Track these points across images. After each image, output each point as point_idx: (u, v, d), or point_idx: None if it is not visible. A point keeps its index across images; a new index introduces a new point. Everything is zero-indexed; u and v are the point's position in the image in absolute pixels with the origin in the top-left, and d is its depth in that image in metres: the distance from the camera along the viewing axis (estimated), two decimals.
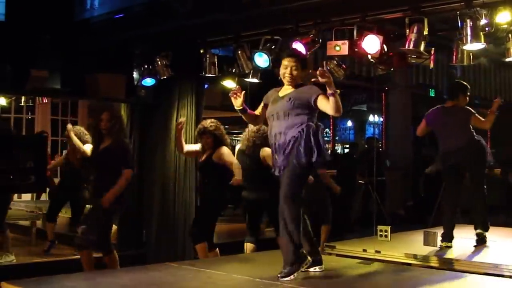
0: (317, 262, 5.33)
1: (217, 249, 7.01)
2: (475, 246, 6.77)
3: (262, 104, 5.55)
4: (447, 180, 7.18)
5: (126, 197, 6.67)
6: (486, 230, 6.98)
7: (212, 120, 7.01)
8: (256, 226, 7.22)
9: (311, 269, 5.26)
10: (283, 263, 5.02)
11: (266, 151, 6.76)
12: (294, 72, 5.21)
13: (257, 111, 5.56)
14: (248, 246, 7.05)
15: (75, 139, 7.74)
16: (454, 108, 7.11)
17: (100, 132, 6.57)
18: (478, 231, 6.94)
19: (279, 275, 4.96)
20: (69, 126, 7.96)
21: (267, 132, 7.14)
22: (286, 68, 5.23)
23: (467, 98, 7.22)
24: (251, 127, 7.00)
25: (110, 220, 6.62)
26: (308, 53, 7.60)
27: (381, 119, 13.83)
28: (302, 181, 5.14)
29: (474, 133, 7.04)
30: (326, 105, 5.00)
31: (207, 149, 6.87)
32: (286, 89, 5.28)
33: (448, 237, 6.77)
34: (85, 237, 6.44)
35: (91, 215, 6.61)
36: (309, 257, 5.10)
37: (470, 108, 7.12)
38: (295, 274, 4.98)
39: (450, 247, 6.69)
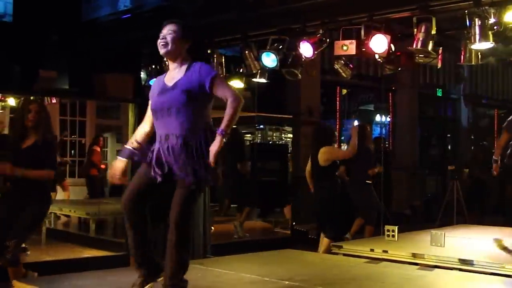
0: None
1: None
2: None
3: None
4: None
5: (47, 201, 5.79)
6: None
7: None
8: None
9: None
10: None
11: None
12: (170, 36, 4.19)
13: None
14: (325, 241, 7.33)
15: None
16: None
17: (24, 127, 5.57)
18: None
19: None
20: None
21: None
22: (161, 34, 4.25)
23: None
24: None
25: (34, 230, 5.80)
26: (316, 52, 7.63)
27: (388, 119, 13.79)
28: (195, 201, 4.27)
29: None
30: (228, 93, 4.02)
31: None
32: (170, 71, 4.34)
33: None
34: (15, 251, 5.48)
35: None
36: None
37: None
38: None
39: None
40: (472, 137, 15.32)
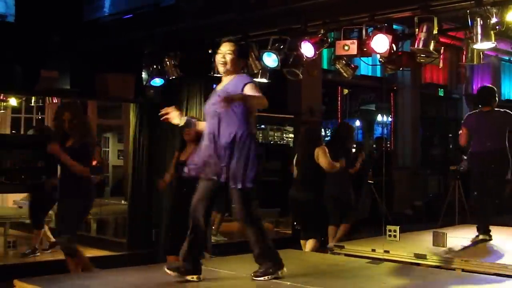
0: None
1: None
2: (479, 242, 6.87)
3: None
4: (474, 178, 7.30)
5: (91, 196, 6.37)
6: (489, 235, 7.06)
7: None
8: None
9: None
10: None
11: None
12: (228, 57, 4.75)
13: None
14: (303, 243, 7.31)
15: None
16: (494, 112, 7.22)
17: (64, 132, 6.21)
18: (481, 237, 7.01)
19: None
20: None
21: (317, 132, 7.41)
22: (219, 54, 4.83)
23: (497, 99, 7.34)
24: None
25: (80, 223, 6.42)
26: (317, 52, 7.61)
27: (390, 119, 13.77)
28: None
29: (506, 141, 7.13)
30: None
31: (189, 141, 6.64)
32: (222, 82, 4.89)
33: (483, 230, 6.94)
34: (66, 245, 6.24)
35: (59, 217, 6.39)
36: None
37: (510, 112, 7.19)
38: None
39: (487, 239, 6.88)
40: None
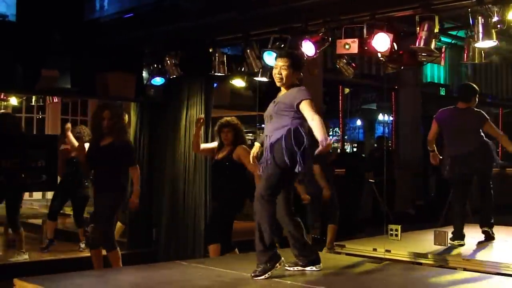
0: (313, 262, 5.31)
1: (236, 249, 6.84)
2: (481, 242, 6.84)
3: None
4: (455, 183, 7.16)
5: (128, 193, 6.74)
6: (491, 228, 7.05)
7: (233, 117, 6.99)
8: None
9: (307, 269, 5.27)
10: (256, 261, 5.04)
11: None
12: (284, 72, 5.08)
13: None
14: None
15: (71, 138, 7.51)
16: (467, 110, 7.13)
17: (101, 130, 6.57)
18: (485, 229, 7.01)
19: (252, 274, 4.97)
20: (68, 125, 7.83)
21: None
22: (276, 68, 5.14)
23: (477, 99, 7.27)
24: None
25: (113, 216, 6.66)
26: (318, 51, 7.59)
27: (391, 118, 13.75)
28: (279, 182, 4.99)
29: (483, 136, 7.04)
30: (308, 115, 4.90)
31: (227, 144, 6.76)
32: (281, 92, 5.22)
33: (459, 236, 6.79)
34: (95, 235, 6.46)
35: (96, 212, 6.65)
36: (282, 257, 5.10)
37: (484, 114, 7.14)
38: (269, 273, 4.96)
39: (463, 245, 6.73)
40: None
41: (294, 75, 5.14)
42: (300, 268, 5.27)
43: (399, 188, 12.18)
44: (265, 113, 5.17)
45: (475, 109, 7.18)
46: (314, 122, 4.79)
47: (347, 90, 12.71)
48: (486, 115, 7.17)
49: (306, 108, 4.89)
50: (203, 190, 8.19)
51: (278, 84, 5.14)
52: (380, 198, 10.78)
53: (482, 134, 7.07)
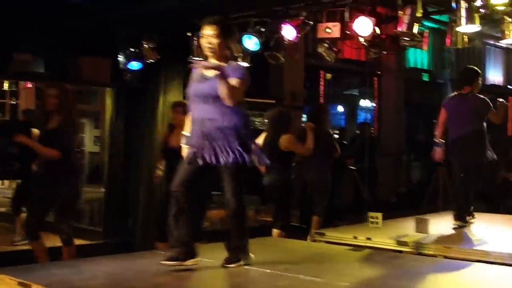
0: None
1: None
2: (462, 230, 6.83)
3: None
4: (454, 166, 7.23)
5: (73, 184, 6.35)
6: (464, 222, 7.02)
7: None
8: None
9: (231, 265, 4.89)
10: None
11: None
12: (214, 41, 4.61)
13: None
14: (275, 233, 7.15)
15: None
16: (472, 95, 7.14)
17: (47, 112, 6.18)
18: (457, 223, 6.98)
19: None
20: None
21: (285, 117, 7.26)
22: (204, 37, 4.66)
23: (480, 83, 7.25)
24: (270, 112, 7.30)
25: (43, 204, 6.28)
26: (298, 35, 7.47)
27: (374, 104, 13.64)
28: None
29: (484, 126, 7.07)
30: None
31: (179, 127, 6.50)
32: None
33: (460, 217, 6.93)
34: (34, 226, 6.25)
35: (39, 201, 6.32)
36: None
37: (488, 101, 7.13)
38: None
39: (465, 225, 6.89)
40: None
41: (225, 44, 4.74)
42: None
43: (381, 175, 12.10)
44: (193, 90, 4.66)
45: (479, 95, 7.18)
46: (238, 82, 4.46)
47: (329, 76, 12.56)
48: (490, 103, 7.17)
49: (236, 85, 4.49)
50: None
51: (209, 55, 4.67)
52: (362, 186, 10.70)
53: (484, 123, 7.08)
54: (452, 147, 7.14)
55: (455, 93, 7.36)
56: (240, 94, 4.56)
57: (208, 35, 4.61)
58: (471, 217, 7.15)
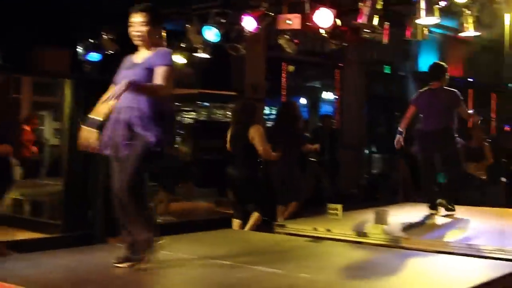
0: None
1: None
2: (422, 220, 6.95)
3: None
4: (423, 157, 7.35)
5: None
6: (449, 203, 7.24)
7: None
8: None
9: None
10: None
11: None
12: (143, 29, 4.43)
13: None
14: (235, 223, 7.13)
15: None
16: (441, 89, 7.25)
17: None
18: (441, 201, 7.19)
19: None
20: None
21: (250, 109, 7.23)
22: (133, 25, 4.47)
23: (448, 77, 7.37)
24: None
25: None
26: (259, 27, 7.45)
27: (335, 97, 13.67)
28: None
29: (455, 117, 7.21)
30: (157, 81, 4.29)
31: None
32: (139, 53, 4.57)
33: (431, 206, 7.16)
34: None
35: None
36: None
37: (458, 94, 7.25)
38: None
39: (435, 213, 7.11)
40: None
41: (155, 32, 4.50)
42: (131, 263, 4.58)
43: (343, 167, 12.15)
44: (120, 77, 4.46)
45: (449, 88, 7.27)
46: (157, 87, 4.24)
47: (291, 68, 12.54)
48: (460, 96, 7.28)
49: (160, 75, 4.27)
50: None
51: (138, 44, 4.49)
52: (324, 178, 10.73)
53: (455, 117, 7.21)
54: (424, 141, 7.25)
55: (425, 88, 7.43)
56: (170, 83, 4.31)
57: (137, 23, 4.44)
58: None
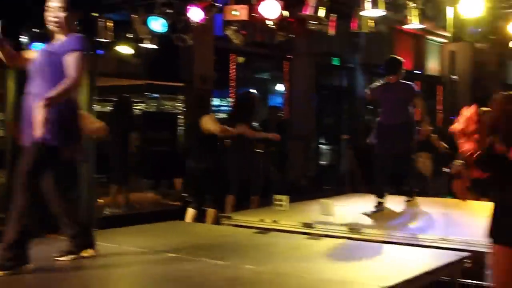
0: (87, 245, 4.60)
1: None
2: (371, 212, 6.97)
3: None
4: (380, 149, 7.38)
5: None
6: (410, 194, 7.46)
7: None
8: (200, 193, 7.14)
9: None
10: None
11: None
12: (61, 15, 4.27)
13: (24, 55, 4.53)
14: (190, 212, 7.10)
15: None
16: (398, 83, 7.31)
17: None
18: (378, 206, 7.20)
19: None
20: None
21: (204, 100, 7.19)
22: (49, 10, 4.32)
23: (404, 71, 7.43)
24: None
25: None
26: (206, 18, 7.41)
27: (284, 88, 13.67)
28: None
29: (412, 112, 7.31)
30: (69, 69, 4.11)
31: None
32: (54, 39, 4.40)
33: (379, 197, 7.20)
34: None
35: None
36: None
37: (414, 87, 7.37)
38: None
39: (382, 205, 7.13)
40: (368, 106, 15.46)
41: (72, 18, 4.34)
42: (73, 256, 4.51)
43: (291, 159, 12.18)
44: (33, 64, 4.31)
45: (405, 82, 7.35)
46: (68, 81, 4.04)
47: (241, 59, 12.49)
48: (416, 89, 7.39)
49: (72, 62, 4.10)
50: None
51: (54, 29, 4.31)
52: (272, 169, 10.73)
53: (409, 112, 7.29)
54: (382, 134, 7.34)
55: (382, 81, 7.49)
56: (80, 70, 4.13)
57: (54, 8, 4.28)
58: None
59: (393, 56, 7.98)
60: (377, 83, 7.55)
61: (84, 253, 4.53)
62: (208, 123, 7.02)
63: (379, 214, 6.95)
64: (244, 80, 12.41)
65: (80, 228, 4.54)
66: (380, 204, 7.17)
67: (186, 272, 4.26)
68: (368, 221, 6.55)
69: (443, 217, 6.89)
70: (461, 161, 3.80)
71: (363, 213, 6.85)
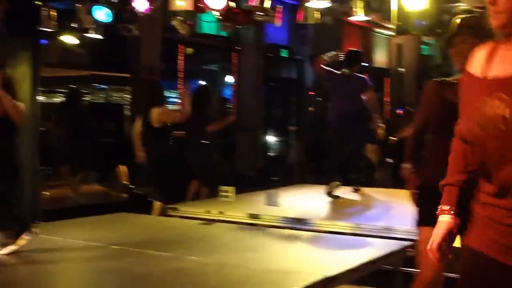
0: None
1: None
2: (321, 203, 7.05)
3: None
4: (337, 138, 7.61)
5: None
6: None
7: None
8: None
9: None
10: None
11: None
12: None
13: None
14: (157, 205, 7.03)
15: None
16: (352, 76, 7.52)
17: None
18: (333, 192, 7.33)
19: None
20: None
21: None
22: None
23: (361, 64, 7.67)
24: None
25: None
26: (152, 8, 7.33)
27: (233, 80, 13.65)
28: None
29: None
30: None
31: None
32: None
33: (329, 185, 7.30)
34: None
35: None
36: None
37: (367, 80, 7.62)
38: None
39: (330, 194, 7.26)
40: (318, 98, 15.54)
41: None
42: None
43: (240, 150, 12.18)
44: None
45: (359, 75, 7.56)
46: None
47: (190, 51, 12.40)
48: (369, 82, 7.63)
49: None
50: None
51: None
52: (220, 160, 10.70)
53: (362, 101, 7.52)
54: (336, 123, 7.62)
55: (338, 72, 7.62)
56: None
57: None
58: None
59: (352, 49, 8.08)
60: (333, 53, 7.68)
61: (20, 241, 4.45)
62: (163, 115, 6.99)
63: (324, 204, 7.01)
64: (193, 72, 12.35)
65: (15, 220, 4.48)
66: (331, 192, 7.29)
67: (129, 264, 4.22)
68: (313, 211, 6.58)
69: (387, 207, 6.98)
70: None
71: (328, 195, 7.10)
